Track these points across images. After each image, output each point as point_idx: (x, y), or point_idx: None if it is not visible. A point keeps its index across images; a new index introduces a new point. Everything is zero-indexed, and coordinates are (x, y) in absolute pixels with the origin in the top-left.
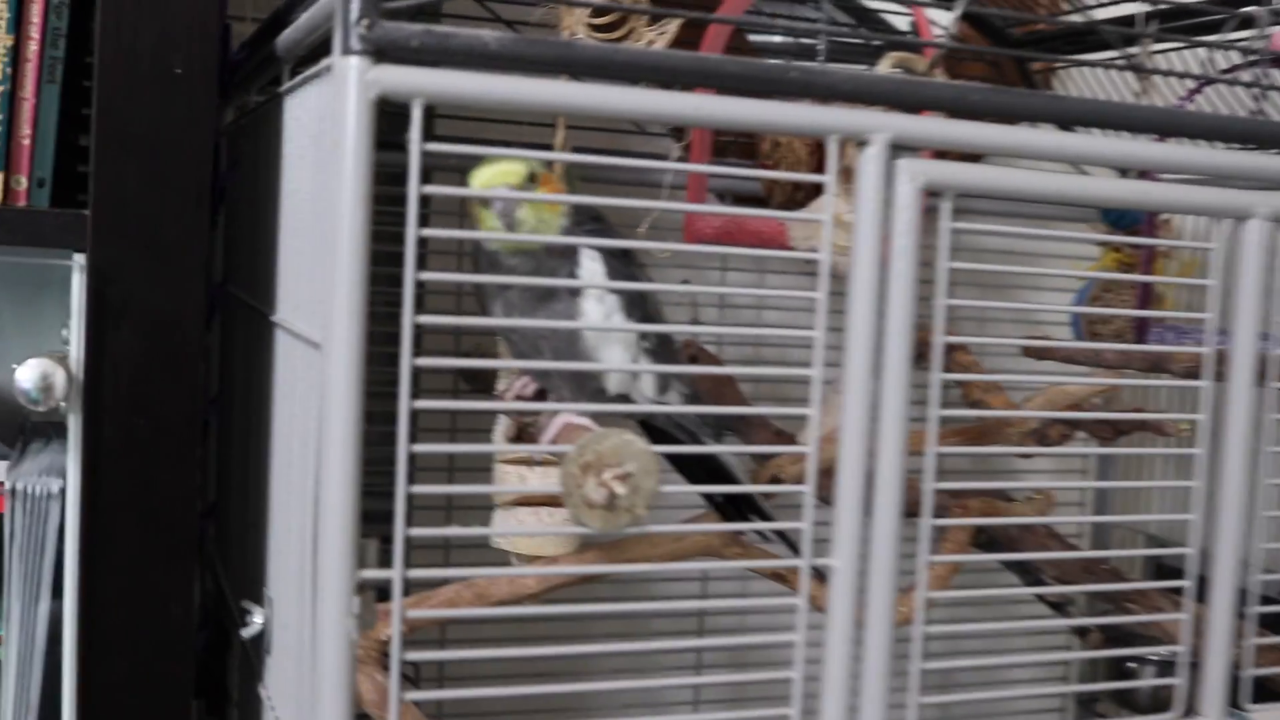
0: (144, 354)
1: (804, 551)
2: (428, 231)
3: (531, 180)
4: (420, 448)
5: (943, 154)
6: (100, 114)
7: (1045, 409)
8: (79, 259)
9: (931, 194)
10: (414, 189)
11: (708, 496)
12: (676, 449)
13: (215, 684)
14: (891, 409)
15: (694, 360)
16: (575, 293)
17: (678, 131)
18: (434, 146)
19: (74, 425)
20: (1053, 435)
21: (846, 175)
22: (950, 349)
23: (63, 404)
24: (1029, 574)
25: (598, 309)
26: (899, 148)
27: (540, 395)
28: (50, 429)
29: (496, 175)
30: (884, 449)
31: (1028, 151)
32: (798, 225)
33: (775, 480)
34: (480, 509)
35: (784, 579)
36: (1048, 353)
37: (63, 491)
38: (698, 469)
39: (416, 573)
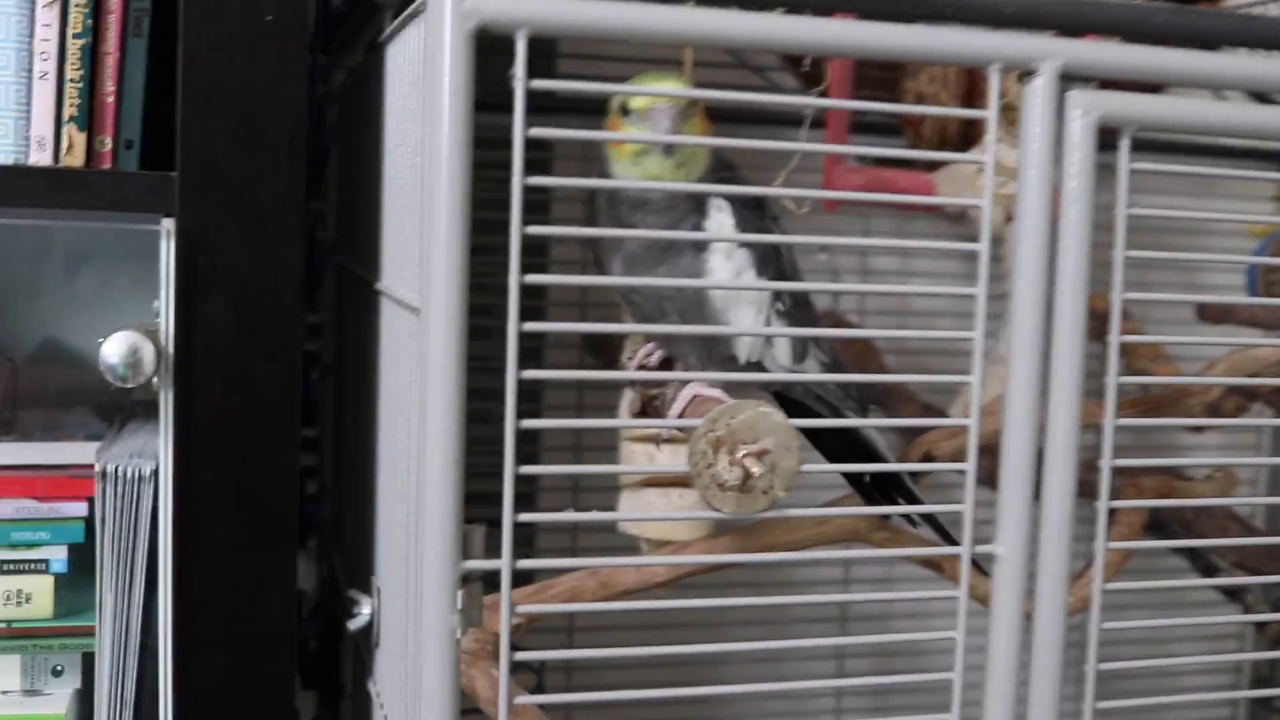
0: (238, 326)
1: (965, 538)
2: (536, 180)
3: (690, 110)
4: (532, 423)
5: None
6: (186, 66)
7: (1229, 376)
8: (167, 224)
9: (1109, 126)
10: (519, 131)
11: (852, 477)
12: (816, 422)
13: (328, 676)
14: (1064, 378)
15: (848, 346)
16: (702, 247)
17: (810, 80)
18: (542, 83)
19: (165, 403)
20: (1228, 407)
21: (1007, 115)
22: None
23: (154, 380)
24: (1199, 559)
25: (726, 266)
26: (1070, 78)
27: (667, 364)
28: (148, 408)
29: (662, 86)
30: (1056, 423)
31: (1221, 81)
32: (948, 180)
33: (928, 458)
34: (610, 490)
35: (937, 568)
36: (1226, 314)
37: (155, 474)
38: (840, 445)
39: (526, 563)
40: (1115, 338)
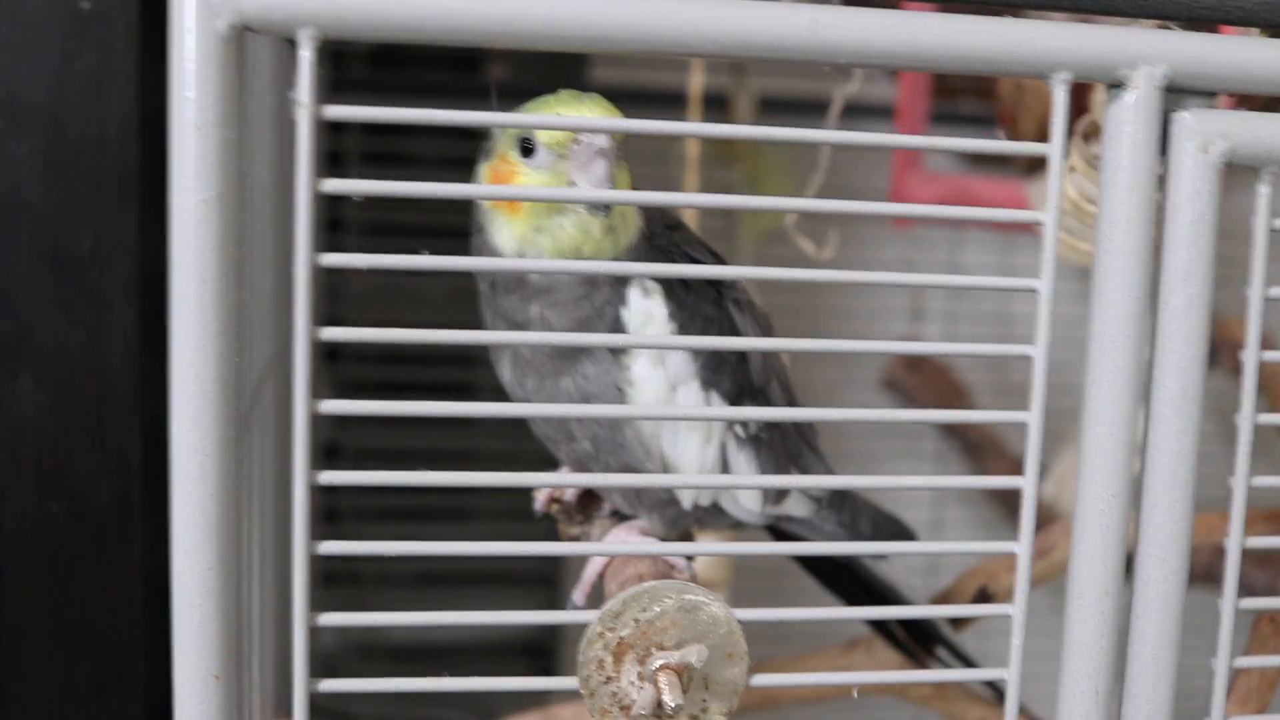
0: (53, 413)
1: None
2: (331, 259)
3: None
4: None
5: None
6: None
7: None
8: None
9: (1237, 167)
10: (305, 183)
11: (875, 621)
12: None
13: None
14: (1165, 488)
15: (914, 369)
16: (621, 347)
17: None
18: (339, 110)
19: None
20: None
21: (1092, 134)
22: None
23: None
24: None
25: (656, 375)
26: (1179, 91)
27: (590, 501)
28: None
29: (584, 107)
30: (1150, 552)
31: None
32: (1040, 191)
33: (983, 596)
34: None
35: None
36: None
37: None
38: (852, 586)
39: None
40: (1244, 463)
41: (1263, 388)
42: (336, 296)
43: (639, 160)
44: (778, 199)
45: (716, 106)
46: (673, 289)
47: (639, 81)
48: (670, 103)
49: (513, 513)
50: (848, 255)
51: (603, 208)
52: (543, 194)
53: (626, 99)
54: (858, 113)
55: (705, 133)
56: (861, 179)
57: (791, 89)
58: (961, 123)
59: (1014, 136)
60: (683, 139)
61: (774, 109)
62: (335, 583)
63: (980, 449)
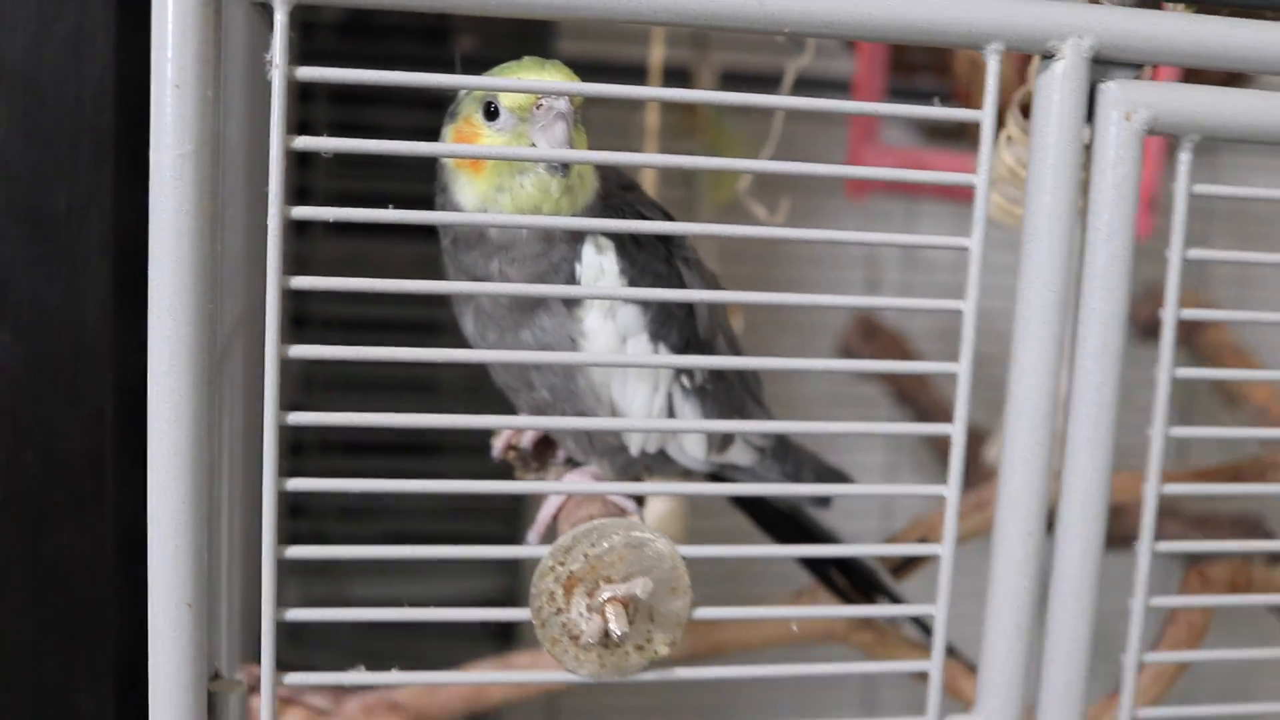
0: (29, 366)
1: (934, 673)
2: (302, 211)
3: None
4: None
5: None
6: None
7: None
8: None
9: (1158, 134)
10: (277, 140)
11: (816, 570)
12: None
13: None
14: (1086, 437)
15: (869, 337)
16: (574, 300)
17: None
18: (310, 71)
19: None
20: None
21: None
22: (1195, 327)
23: None
24: None
25: (607, 327)
26: (1105, 62)
27: (546, 446)
28: None
29: (547, 71)
30: (1072, 498)
31: None
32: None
33: (924, 542)
34: None
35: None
36: None
37: None
38: (794, 533)
39: None
40: (1161, 413)
41: (1208, 358)
42: (304, 265)
43: (599, 133)
44: (733, 160)
45: (679, 80)
46: (625, 246)
47: (602, 54)
48: (634, 75)
49: (475, 476)
50: (803, 226)
51: (561, 167)
52: (504, 153)
53: (590, 71)
54: (816, 87)
55: (662, 97)
56: (819, 153)
57: (753, 64)
58: (919, 98)
59: (968, 107)
60: (643, 112)
61: (735, 83)
62: (302, 543)
63: (932, 418)
